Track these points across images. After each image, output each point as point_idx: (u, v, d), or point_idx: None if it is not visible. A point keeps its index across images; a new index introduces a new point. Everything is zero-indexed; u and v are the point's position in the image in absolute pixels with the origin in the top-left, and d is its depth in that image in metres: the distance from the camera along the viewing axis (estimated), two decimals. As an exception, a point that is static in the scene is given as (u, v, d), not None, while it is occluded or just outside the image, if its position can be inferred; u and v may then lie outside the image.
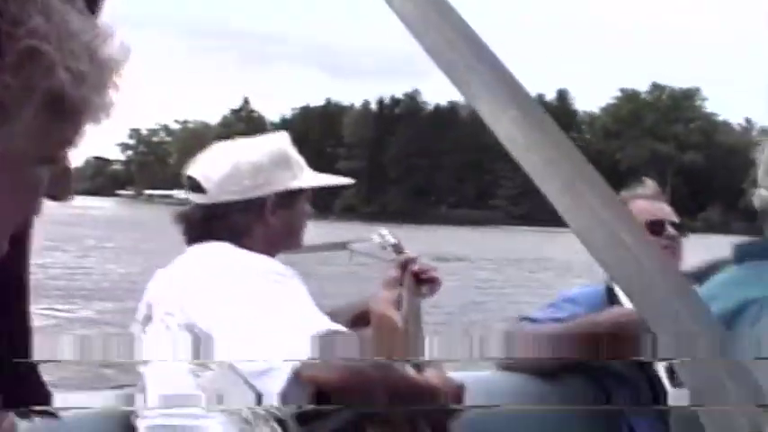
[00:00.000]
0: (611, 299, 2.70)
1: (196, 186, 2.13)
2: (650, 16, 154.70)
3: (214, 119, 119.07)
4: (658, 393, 2.55)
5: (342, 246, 3.00)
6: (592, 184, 0.68)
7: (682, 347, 0.66)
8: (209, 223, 2.11)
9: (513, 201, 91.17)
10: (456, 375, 1.96)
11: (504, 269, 25.17)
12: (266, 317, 1.71)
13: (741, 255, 1.86)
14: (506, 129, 0.69)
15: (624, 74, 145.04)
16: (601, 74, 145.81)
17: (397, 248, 2.49)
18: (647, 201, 2.94)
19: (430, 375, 1.79)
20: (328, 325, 1.70)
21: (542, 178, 0.68)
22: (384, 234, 2.57)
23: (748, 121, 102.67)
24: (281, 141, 2.24)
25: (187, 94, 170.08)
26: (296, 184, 2.18)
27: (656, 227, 2.86)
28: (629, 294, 0.68)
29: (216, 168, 2.13)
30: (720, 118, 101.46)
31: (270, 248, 2.11)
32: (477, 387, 2.19)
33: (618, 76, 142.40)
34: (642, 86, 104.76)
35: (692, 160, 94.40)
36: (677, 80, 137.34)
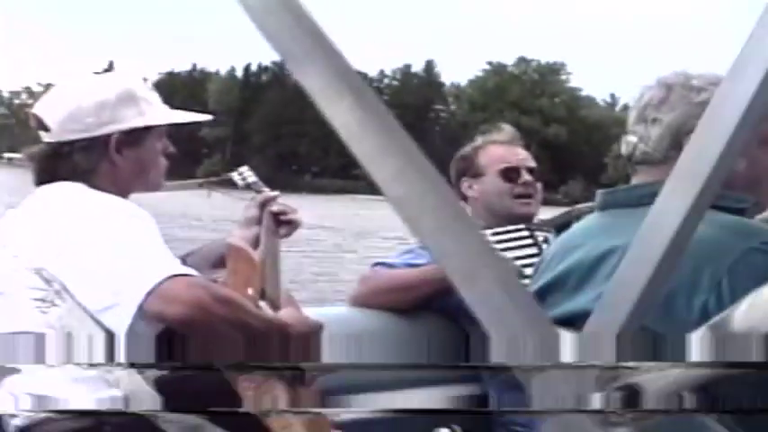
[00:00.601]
0: None
1: (41, 124, 2.08)
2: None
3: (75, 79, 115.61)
4: None
5: (198, 184, 2.95)
6: (423, 174, 0.68)
7: (512, 350, 0.66)
8: (55, 162, 2.06)
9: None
10: (311, 313, 1.93)
11: (361, 239, 25.33)
12: (113, 259, 1.72)
13: (604, 203, 1.87)
14: (342, 116, 0.70)
15: (491, 47, 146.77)
16: (469, 46, 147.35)
17: (257, 187, 2.44)
18: (503, 146, 2.90)
19: (285, 313, 1.84)
20: (178, 268, 1.71)
21: (374, 166, 0.69)
22: (243, 171, 2.51)
23: (612, 96, 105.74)
24: (130, 78, 2.18)
25: (51, 56, 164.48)
26: (141, 121, 2.11)
27: (510, 173, 2.84)
28: (454, 283, 0.68)
29: (59, 106, 2.08)
30: (584, 93, 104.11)
31: (120, 188, 2.05)
32: (332, 324, 2.20)
33: (485, 49, 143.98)
34: (509, 60, 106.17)
35: (555, 134, 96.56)
36: (543, 55, 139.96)
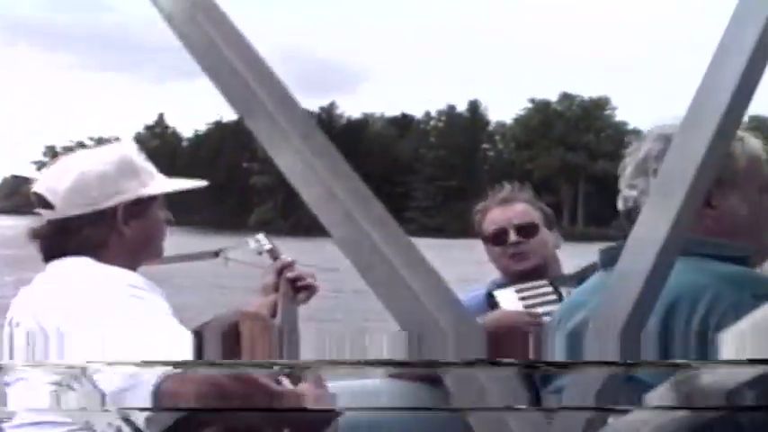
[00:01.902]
0: (492, 304, 2.83)
1: (43, 202, 2.14)
2: (560, 27, 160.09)
3: (128, 135, 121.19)
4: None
5: (215, 254, 2.92)
6: (374, 219, 0.68)
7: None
8: (62, 238, 2.12)
9: (426, 213, 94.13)
10: (337, 386, 2.01)
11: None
12: (128, 339, 1.59)
13: (606, 260, 1.91)
14: (287, 158, 0.71)
15: (534, 84, 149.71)
16: (512, 84, 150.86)
17: (273, 254, 2.50)
18: (499, 207, 2.98)
19: (306, 388, 1.79)
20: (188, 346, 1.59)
21: (322, 210, 0.70)
22: (260, 239, 2.58)
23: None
24: (127, 149, 2.26)
25: (102, 110, 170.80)
26: (145, 191, 2.20)
27: (499, 236, 2.92)
28: (402, 325, 0.69)
29: (61, 182, 2.14)
30: (630, 127, 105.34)
31: (129, 260, 2.13)
32: (364, 395, 2.29)
33: (528, 86, 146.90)
34: (552, 96, 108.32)
35: (603, 169, 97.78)
36: (587, 90, 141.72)
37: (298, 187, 0.70)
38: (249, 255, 2.69)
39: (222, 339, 1.07)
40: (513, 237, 2.93)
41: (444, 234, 72.23)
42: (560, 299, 2.77)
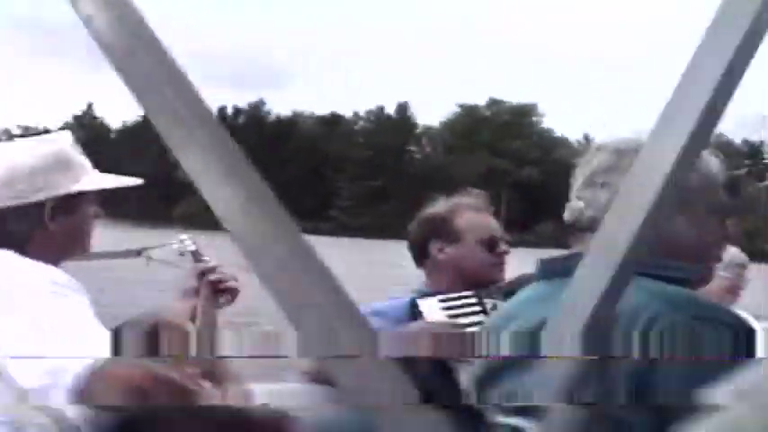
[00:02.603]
0: (414, 313, 2.91)
1: None
2: (488, 32, 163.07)
3: (57, 124, 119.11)
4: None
5: (137, 252, 2.91)
6: (308, 266, 0.69)
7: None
8: None
9: (349, 212, 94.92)
10: (263, 387, 2.03)
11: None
12: (47, 336, 1.71)
13: (544, 271, 1.93)
14: (187, 153, 0.72)
15: (462, 88, 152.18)
16: (441, 88, 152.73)
17: (196, 255, 2.53)
18: (479, 213, 3.11)
19: (228, 390, 1.78)
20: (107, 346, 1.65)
21: (256, 258, 0.69)
22: (183, 239, 2.59)
23: (586, 137, 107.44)
24: (62, 142, 2.25)
25: (31, 98, 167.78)
26: (76, 187, 2.18)
27: (491, 243, 3.04)
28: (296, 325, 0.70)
29: None
30: (558, 134, 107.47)
31: (54, 256, 2.13)
32: (282, 398, 2.36)
33: (456, 90, 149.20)
34: (480, 101, 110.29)
35: (528, 175, 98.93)
36: (515, 96, 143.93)
37: (235, 235, 0.71)
38: (172, 255, 2.68)
39: (141, 341, 1.07)
40: (503, 246, 3.07)
41: (366, 234, 72.97)
42: (484, 311, 2.89)
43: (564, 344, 0.78)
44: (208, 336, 1.45)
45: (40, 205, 2.13)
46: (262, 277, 0.70)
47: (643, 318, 1.56)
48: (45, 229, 2.14)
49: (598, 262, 0.78)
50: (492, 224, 3.10)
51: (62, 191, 2.15)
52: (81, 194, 2.20)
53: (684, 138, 0.72)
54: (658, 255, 1.69)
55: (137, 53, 0.74)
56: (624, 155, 1.81)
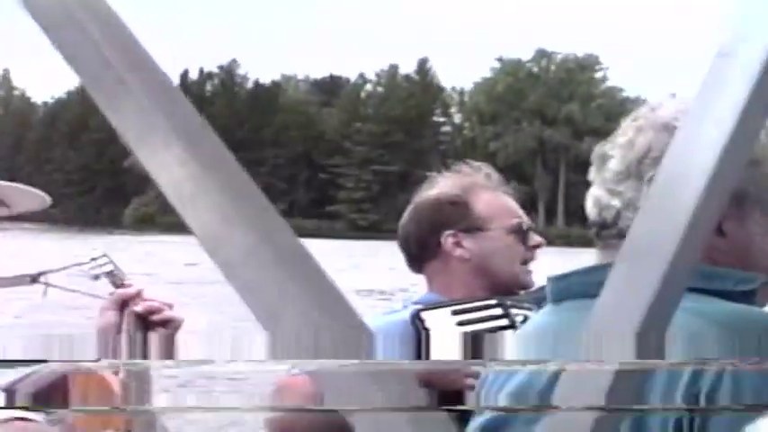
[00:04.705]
0: (418, 331, 2.80)
1: None
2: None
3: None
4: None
5: (31, 278, 2.88)
6: (302, 275, 0.72)
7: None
8: None
9: (357, 206, 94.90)
10: None
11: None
12: None
13: (558, 293, 1.88)
14: (186, 201, 0.73)
15: (503, 39, 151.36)
16: (473, 40, 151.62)
17: (115, 278, 2.49)
18: (495, 194, 3.07)
19: None
20: None
21: (233, 269, 0.72)
22: (97, 257, 2.55)
23: (672, 97, 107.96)
24: None
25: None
26: None
27: (522, 233, 3.03)
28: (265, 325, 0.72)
29: None
30: (626, 94, 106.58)
31: None
32: None
33: (495, 41, 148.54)
34: (525, 54, 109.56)
35: (590, 149, 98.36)
36: (570, 47, 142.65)
37: (150, 170, 0.72)
38: (82, 278, 2.61)
39: (41, 400, 1.01)
40: (536, 238, 3.06)
41: (379, 235, 72.93)
42: (513, 325, 2.80)
43: (585, 395, 0.78)
44: (137, 387, 1.47)
45: None
46: (241, 293, 0.70)
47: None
48: None
49: (633, 276, 0.77)
50: (516, 208, 3.07)
51: None
52: None
53: (733, 122, 0.73)
54: (724, 266, 1.70)
55: (67, 3, 0.73)
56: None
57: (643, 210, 0.81)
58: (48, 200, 2.53)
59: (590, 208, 1.84)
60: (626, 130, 1.84)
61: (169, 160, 0.72)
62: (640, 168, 1.76)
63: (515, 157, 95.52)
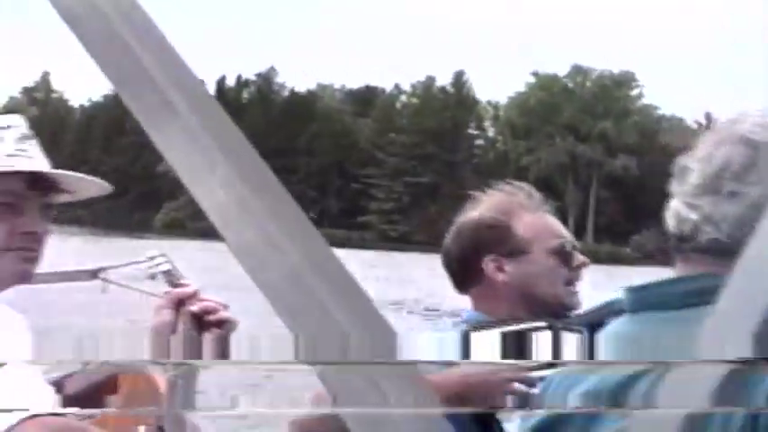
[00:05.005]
0: (467, 351, 1.86)
1: None
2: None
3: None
4: None
5: (92, 274, 2.93)
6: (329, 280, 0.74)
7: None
8: None
9: (388, 217, 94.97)
10: None
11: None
12: None
13: (634, 303, 1.89)
14: (220, 208, 0.73)
15: (539, 54, 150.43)
16: (509, 53, 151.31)
17: (172, 278, 2.49)
18: (536, 215, 3.07)
19: None
20: (41, 401, 1.86)
21: (262, 274, 0.74)
22: (153, 257, 2.59)
23: (708, 116, 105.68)
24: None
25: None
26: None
27: (565, 255, 3.03)
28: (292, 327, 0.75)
29: None
30: (663, 112, 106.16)
31: None
32: None
33: (531, 56, 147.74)
34: (561, 70, 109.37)
35: (624, 166, 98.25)
36: (606, 63, 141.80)
37: (185, 179, 0.73)
38: (140, 276, 2.62)
39: (90, 398, 1.07)
40: (580, 258, 3.08)
41: (411, 246, 72.59)
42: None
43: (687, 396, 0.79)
44: (185, 390, 1.51)
45: None
46: (268, 295, 0.72)
47: None
48: None
49: (742, 301, 0.76)
50: (559, 228, 3.09)
51: None
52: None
53: None
54: None
55: (103, 12, 0.73)
56: (762, 149, 1.73)
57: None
58: (108, 187, 2.56)
59: (669, 220, 1.83)
60: (705, 143, 1.82)
61: (213, 183, 0.72)
62: (718, 183, 1.75)
63: (547, 172, 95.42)
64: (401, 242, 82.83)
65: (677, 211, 1.81)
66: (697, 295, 1.56)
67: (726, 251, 1.55)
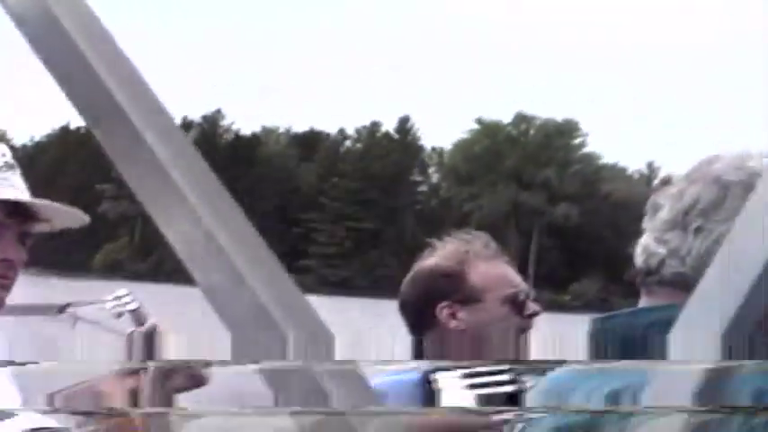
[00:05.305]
0: (427, 393, 2.68)
1: None
2: (513, 28, 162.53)
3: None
4: None
5: (59, 309, 2.96)
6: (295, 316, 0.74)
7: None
8: None
9: (329, 262, 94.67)
10: None
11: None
12: None
13: (599, 333, 1.93)
14: (141, 174, 0.75)
15: (483, 102, 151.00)
16: (453, 100, 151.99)
17: (139, 317, 2.53)
18: (494, 263, 3.10)
19: None
20: (29, 420, 1.85)
21: (226, 308, 0.74)
22: (121, 296, 2.61)
23: (650, 166, 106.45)
24: None
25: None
26: None
27: (518, 303, 3.05)
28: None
29: None
30: (606, 161, 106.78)
31: None
32: None
33: (475, 103, 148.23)
34: (505, 117, 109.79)
35: (565, 215, 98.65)
36: (549, 110, 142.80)
37: (160, 225, 0.73)
38: (107, 314, 2.63)
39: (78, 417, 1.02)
40: (532, 306, 3.10)
41: (350, 291, 72.39)
42: (522, 392, 2.71)
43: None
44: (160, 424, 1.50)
45: None
46: (232, 328, 0.73)
47: None
48: None
49: (696, 333, 0.78)
50: (514, 277, 3.13)
51: None
52: None
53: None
54: None
55: (63, 45, 0.76)
56: (732, 189, 1.79)
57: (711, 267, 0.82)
58: (86, 218, 2.60)
59: (638, 254, 1.90)
60: (678, 182, 1.89)
61: (181, 217, 0.74)
62: (687, 219, 1.82)
63: (489, 219, 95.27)
64: (341, 287, 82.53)
65: (647, 245, 1.89)
66: (660, 324, 1.48)
67: (688, 284, 1.56)
